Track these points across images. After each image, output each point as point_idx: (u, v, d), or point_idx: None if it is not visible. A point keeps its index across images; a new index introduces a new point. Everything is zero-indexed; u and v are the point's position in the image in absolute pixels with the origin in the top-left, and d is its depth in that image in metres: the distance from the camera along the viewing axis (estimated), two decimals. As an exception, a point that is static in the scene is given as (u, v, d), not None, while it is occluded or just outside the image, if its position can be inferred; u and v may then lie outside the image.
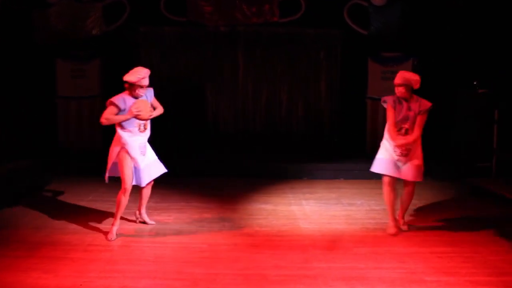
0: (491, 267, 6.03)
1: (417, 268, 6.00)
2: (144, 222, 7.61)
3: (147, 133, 7.12)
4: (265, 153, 12.19)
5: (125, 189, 6.96)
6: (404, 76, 6.99)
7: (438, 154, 11.45)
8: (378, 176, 7.42)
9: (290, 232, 7.33)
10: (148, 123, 7.10)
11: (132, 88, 6.88)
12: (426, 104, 7.01)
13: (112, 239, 6.91)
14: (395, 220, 7.31)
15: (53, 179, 10.04)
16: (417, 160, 7.08)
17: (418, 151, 7.12)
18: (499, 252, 6.54)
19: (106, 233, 7.03)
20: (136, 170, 7.06)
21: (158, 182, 9.73)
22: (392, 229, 7.21)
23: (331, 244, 6.85)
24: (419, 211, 8.39)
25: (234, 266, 6.04)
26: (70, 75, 12.26)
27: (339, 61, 13.59)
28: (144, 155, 7.09)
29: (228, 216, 8.01)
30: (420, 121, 6.99)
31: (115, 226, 7.03)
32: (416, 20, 11.78)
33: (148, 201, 7.70)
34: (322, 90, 13.95)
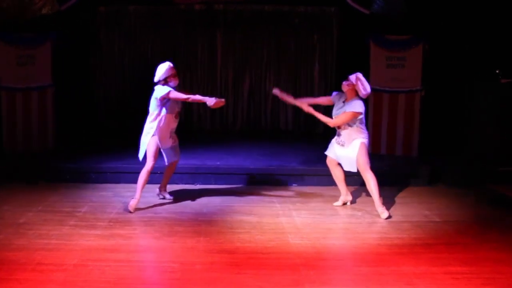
0: (516, 290, 6.07)
1: (428, 291, 6.03)
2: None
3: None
4: (247, 154, 12.15)
5: None
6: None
7: (452, 156, 11.50)
8: (383, 183, 8.08)
9: (277, 248, 7.32)
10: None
11: None
12: None
13: None
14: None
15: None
16: None
17: None
18: (525, 272, 6.58)
19: (59, 250, 7.00)
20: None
21: (121, 189, 9.75)
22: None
23: (327, 263, 6.87)
24: (430, 223, 8.42)
25: (212, 289, 6.04)
26: (16, 62, 12.11)
27: (336, 45, 13.63)
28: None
29: (203, 230, 7.99)
30: None
31: None
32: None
33: (110, 212, 7.91)
34: (315, 80, 14.00)
